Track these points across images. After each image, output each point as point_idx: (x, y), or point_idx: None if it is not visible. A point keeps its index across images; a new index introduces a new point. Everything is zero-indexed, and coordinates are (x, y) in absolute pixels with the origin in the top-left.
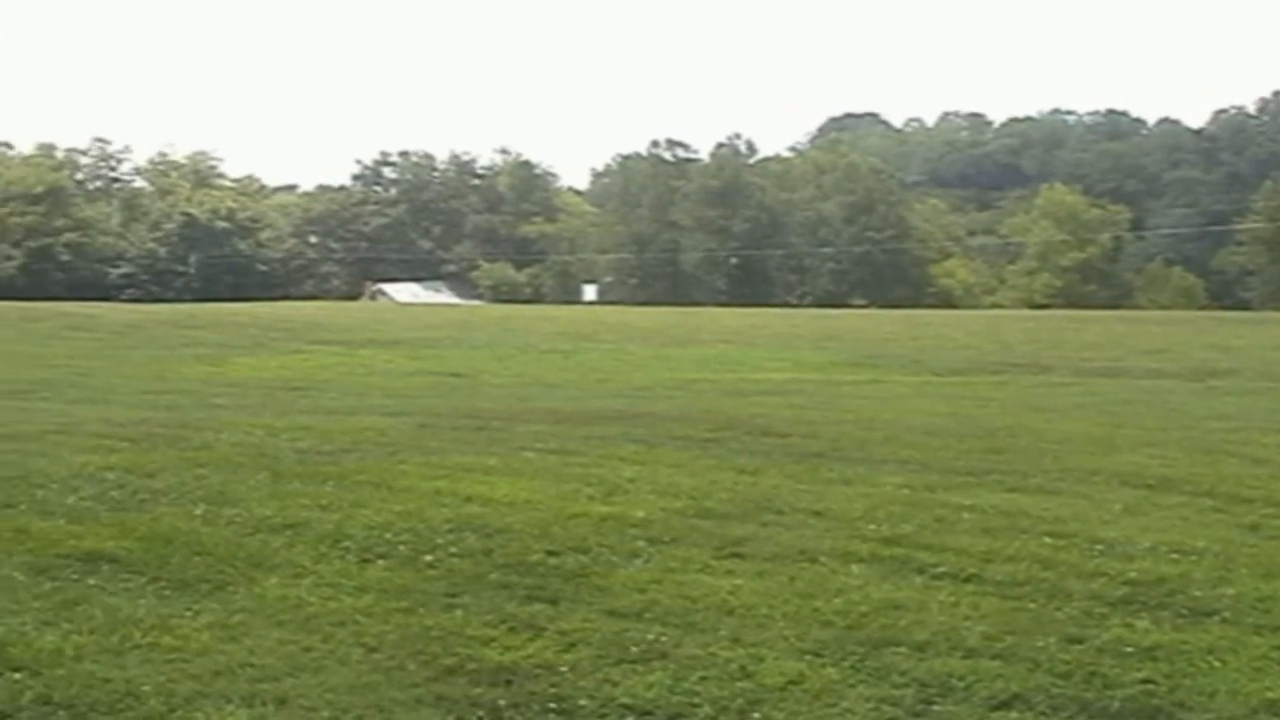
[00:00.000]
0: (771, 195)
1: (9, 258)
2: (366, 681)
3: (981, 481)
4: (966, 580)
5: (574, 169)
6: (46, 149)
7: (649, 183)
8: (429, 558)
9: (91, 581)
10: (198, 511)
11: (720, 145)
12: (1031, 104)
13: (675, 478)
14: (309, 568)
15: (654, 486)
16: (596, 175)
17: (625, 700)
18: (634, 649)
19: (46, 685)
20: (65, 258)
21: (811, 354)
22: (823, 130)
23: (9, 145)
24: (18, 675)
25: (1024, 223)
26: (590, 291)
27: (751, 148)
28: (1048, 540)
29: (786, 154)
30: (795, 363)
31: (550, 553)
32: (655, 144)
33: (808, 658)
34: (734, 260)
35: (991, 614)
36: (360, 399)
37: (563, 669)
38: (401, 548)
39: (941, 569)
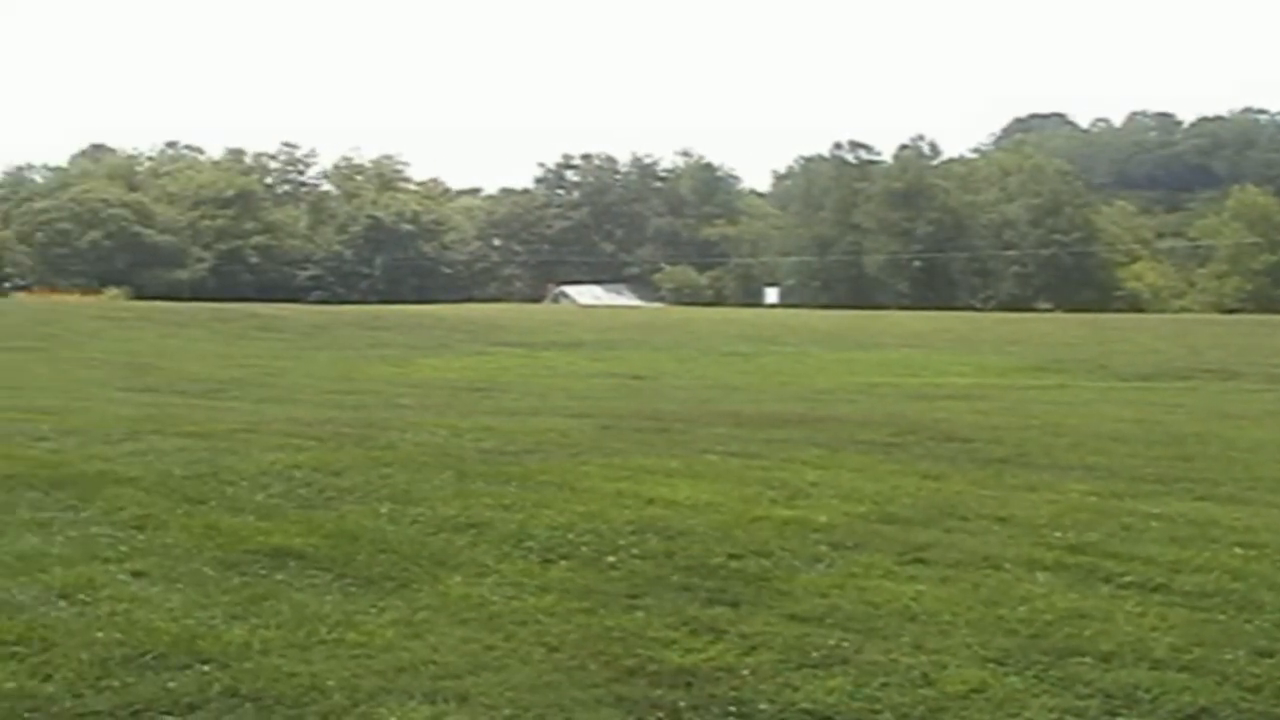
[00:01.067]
0: (955, 197)
1: (200, 260)
2: (547, 681)
3: (1170, 489)
4: (1154, 590)
5: (756, 171)
6: (236, 154)
7: (831, 185)
8: (611, 559)
9: (279, 577)
10: (383, 510)
11: (903, 147)
12: (1222, 103)
13: (858, 482)
14: (492, 567)
15: (836, 491)
16: (778, 177)
17: (805, 705)
18: (815, 654)
19: (234, 678)
20: (254, 260)
21: (995, 358)
22: (1007, 131)
23: (200, 150)
24: (206, 667)
25: (1214, 225)
26: (772, 294)
27: (935, 149)
28: (1238, 551)
29: (970, 155)
30: (979, 367)
31: (732, 556)
32: (838, 146)
33: (990, 666)
34: (917, 263)
35: (1179, 625)
36: (542, 400)
37: (743, 672)
38: (584, 548)
39: (1128, 578)
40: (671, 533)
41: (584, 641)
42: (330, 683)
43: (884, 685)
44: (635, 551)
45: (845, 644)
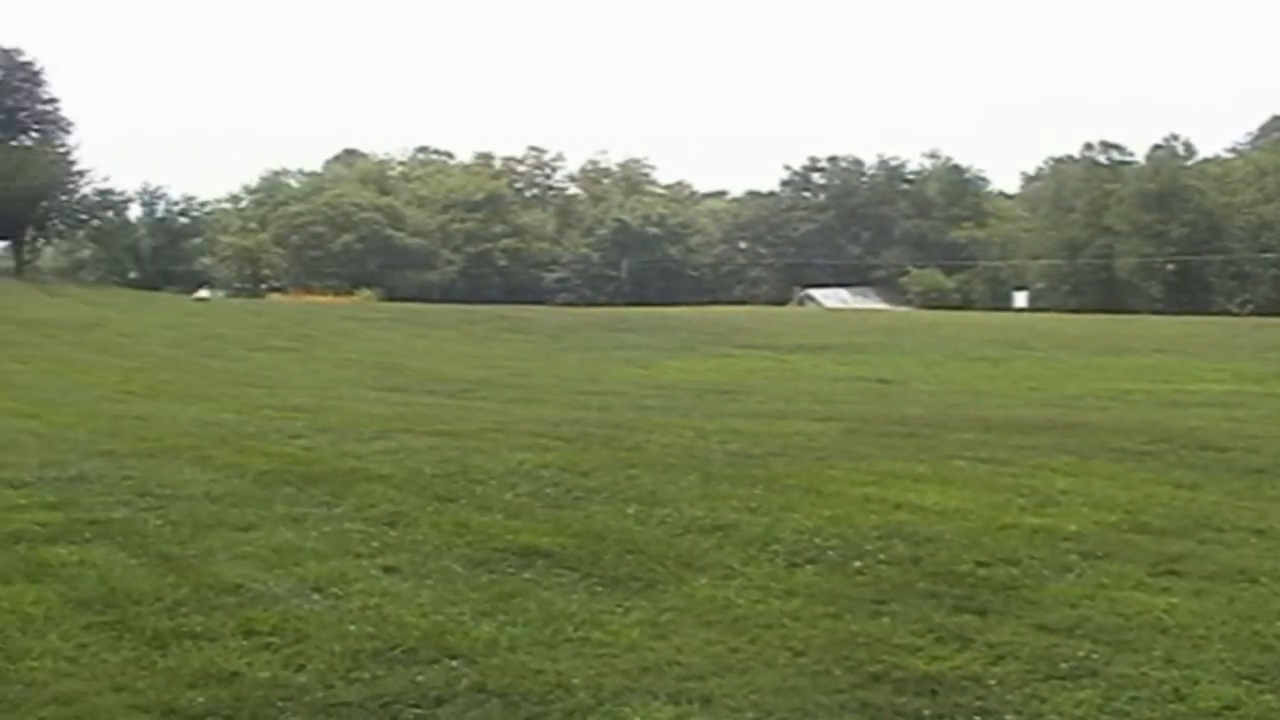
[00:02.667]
0: (1211, 199)
1: (450, 262)
2: (792, 685)
3: None
4: None
5: (1005, 172)
6: (485, 158)
7: (1082, 186)
8: (857, 564)
9: (527, 575)
10: (630, 510)
11: (1157, 147)
12: None
13: (1109, 490)
14: (738, 569)
15: (1087, 499)
16: (1028, 179)
17: (1053, 717)
18: (1063, 665)
19: (481, 673)
20: (502, 262)
21: (1253, 365)
22: (1265, 130)
23: (450, 155)
24: (454, 662)
25: None
26: (1021, 298)
27: (1190, 149)
28: None
29: (1227, 155)
30: (1235, 374)
31: (980, 563)
32: (1089, 146)
33: (1245, 683)
34: (1171, 266)
35: None
36: (788, 403)
37: (990, 682)
38: (830, 553)
39: None
40: (918, 539)
41: (829, 646)
42: (575, 681)
43: (1134, 699)
44: (882, 557)
45: (1095, 656)
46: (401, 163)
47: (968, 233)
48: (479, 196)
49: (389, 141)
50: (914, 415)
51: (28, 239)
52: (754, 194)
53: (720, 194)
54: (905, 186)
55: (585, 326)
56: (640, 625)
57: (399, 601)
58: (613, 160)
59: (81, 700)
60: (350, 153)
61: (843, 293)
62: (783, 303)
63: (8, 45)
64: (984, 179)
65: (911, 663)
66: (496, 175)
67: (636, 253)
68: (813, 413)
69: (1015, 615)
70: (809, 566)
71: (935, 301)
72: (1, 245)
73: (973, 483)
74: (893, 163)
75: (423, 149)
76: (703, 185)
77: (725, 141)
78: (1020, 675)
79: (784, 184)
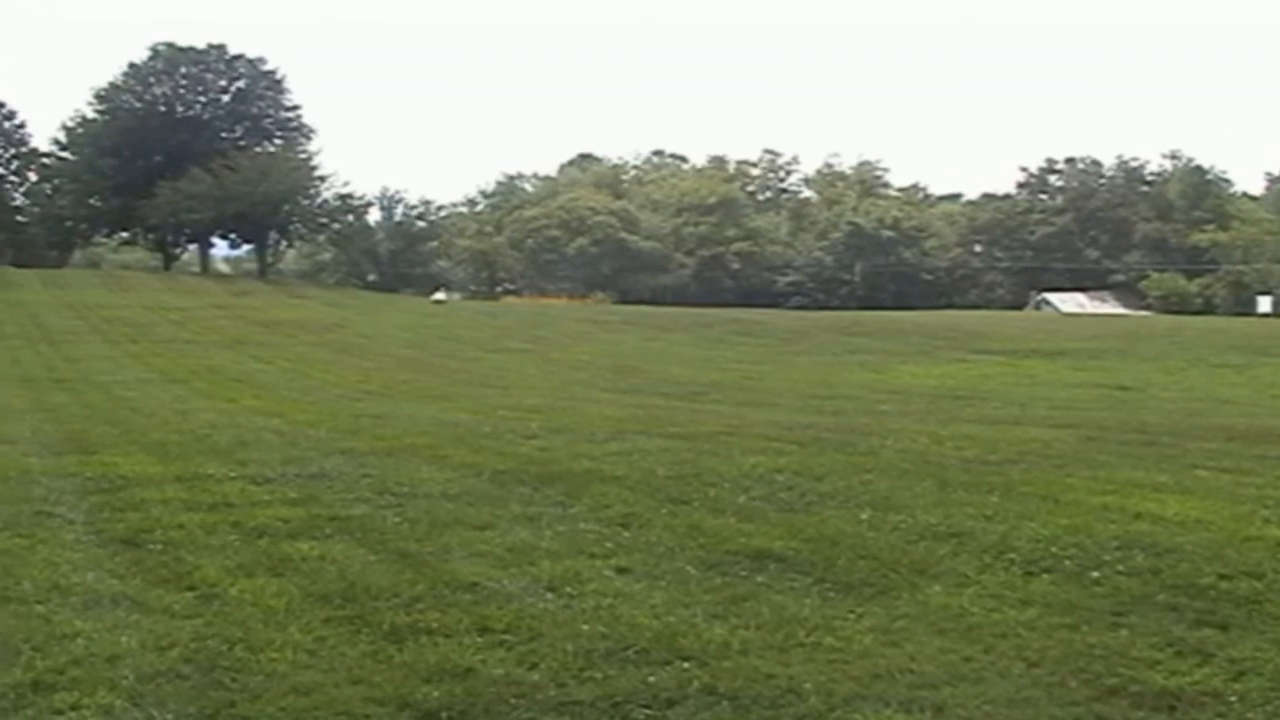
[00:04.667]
0: None
1: (683, 265)
2: (1026, 696)
3: None
4: None
5: (1249, 174)
6: (718, 162)
7: None
8: (1095, 574)
9: (759, 579)
10: (863, 516)
11: None
12: None
13: None
14: (972, 577)
15: None
16: (1273, 180)
17: None
18: None
19: (712, 676)
20: (735, 266)
21: None
22: None
23: (683, 159)
24: (686, 664)
25: None
26: (1265, 303)
27: None
28: None
29: None
30: None
31: (1222, 576)
32: None
33: None
34: None
35: None
36: (1024, 410)
37: (1230, 698)
38: (1067, 562)
39: None
40: (1159, 550)
41: (1065, 658)
42: (807, 685)
43: None
44: (1120, 568)
45: None
46: (635, 167)
47: (1210, 236)
48: (712, 200)
49: (623, 146)
50: (1154, 423)
51: (271, 242)
52: (989, 196)
53: (955, 197)
54: (1145, 188)
55: (818, 330)
56: (873, 631)
57: (632, 602)
58: (847, 163)
59: (319, 691)
60: (585, 157)
61: (1080, 297)
62: (1019, 307)
63: (252, 55)
64: (1227, 180)
65: (1150, 677)
66: (730, 178)
67: (870, 256)
68: (1049, 419)
69: (1258, 630)
70: (1045, 576)
71: (1176, 306)
72: (246, 248)
73: (1215, 493)
74: (1132, 164)
75: (657, 153)
76: (937, 188)
77: (960, 143)
78: (1263, 692)
79: (1020, 186)
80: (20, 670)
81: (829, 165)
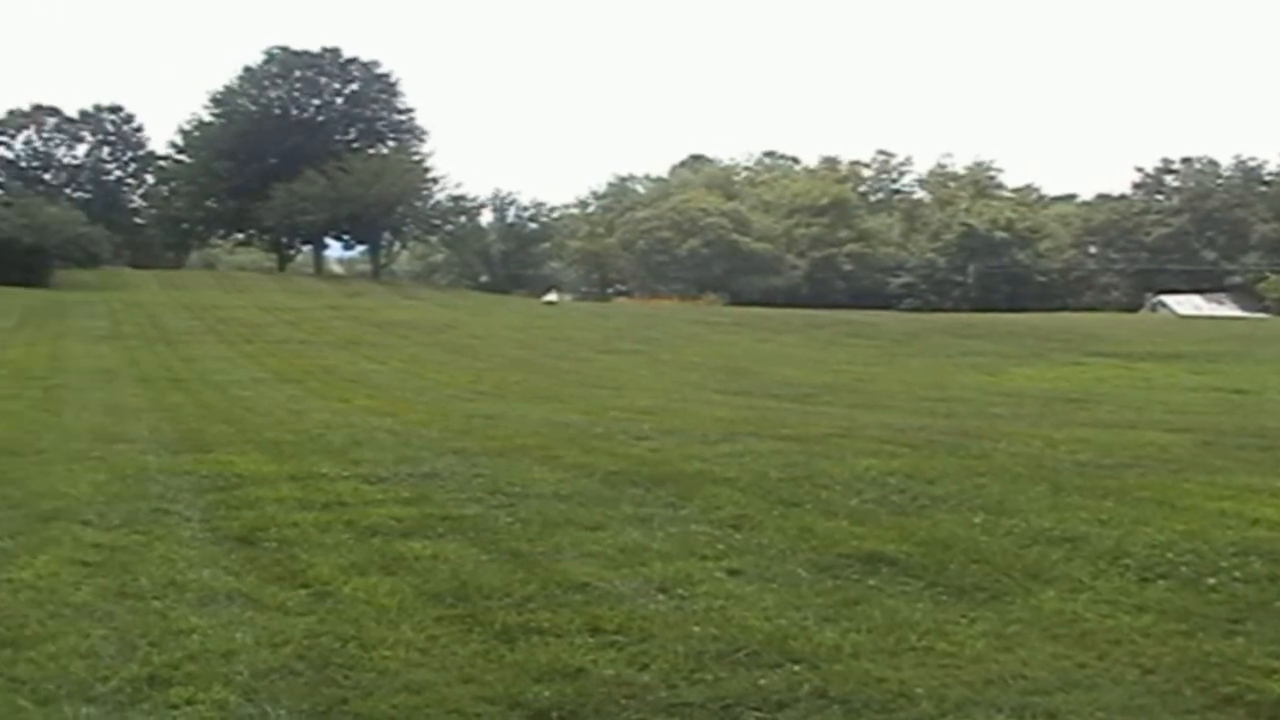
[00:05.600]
0: None
1: (794, 267)
2: (1140, 704)
3: None
4: None
5: None
6: (830, 162)
7: None
8: (1211, 581)
9: (871, 582)
10: (976, 520)
11: None
12: None
13: None
14: (1086, 583)
15: None
16: None
17: None
18: None
19: (823, 679)
20: (847, 267)
21: None
22: None
23: (795, 159)
24: (797, 667)
25: None
26: None
27: None
28: None
29: None
30: None
31: None
32: None
33: None
34: None
35: None
36: (1139, 413)
37: None
38: (1183, 568)
39: None
40: (1276, 556)
41: (1180, 665)
42: (918, 690)
43: None
44: (1238, 574)
45: None
46: (747, 168)
47: None
48: (824, 201)
49: (735, 147)
50: (1272, 427)
51: (384, 243)
52: (1104, 197)
53: (1070, 197)
54: (1263, 189)
55: (930, 332)
56: (985, 636)
57: (743, 604)
58: (960, 163)
59: (431, 690)
60: (696, 158)
61: (1197, 299)
62: (1134, 309)
63: (366, 59)
64: None
65: (1267, 686)
66: (842, 179)
67: (983, 257)
68: (1165, 423)
69: None
70: (1161, 582)
71: None
72: (359, 249)
73: None
74: (1250, 163)
75: (769, 154)
76: (1051, 189)
77: (1075, 143)
78: None
79: (1136, 187)
80: (137, 665)
81: (942, 166)
